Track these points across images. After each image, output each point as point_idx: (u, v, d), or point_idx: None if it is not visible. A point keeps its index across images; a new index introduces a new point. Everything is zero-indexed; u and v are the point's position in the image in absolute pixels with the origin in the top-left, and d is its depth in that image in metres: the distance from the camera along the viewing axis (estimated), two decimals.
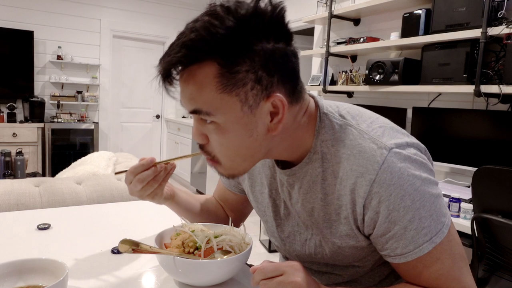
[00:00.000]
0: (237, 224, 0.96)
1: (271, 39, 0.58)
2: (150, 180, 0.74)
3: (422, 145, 0.68)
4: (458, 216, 1.71)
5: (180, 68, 0.59)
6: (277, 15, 0.58)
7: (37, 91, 4.59)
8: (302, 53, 3.41)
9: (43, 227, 0.97)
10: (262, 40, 0.57)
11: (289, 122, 0.64)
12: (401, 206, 0.60)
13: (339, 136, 0.66)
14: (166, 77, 0.59)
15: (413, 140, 0.66)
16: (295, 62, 0.62)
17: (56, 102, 4.63)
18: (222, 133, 0.61)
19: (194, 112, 0.61)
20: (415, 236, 0.61)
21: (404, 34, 2.39)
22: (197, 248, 0.72)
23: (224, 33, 0.55)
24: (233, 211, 0.96)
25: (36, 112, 4.41)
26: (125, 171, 0.76)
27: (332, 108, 0.70)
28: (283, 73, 0.60)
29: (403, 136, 0.66)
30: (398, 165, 0.61)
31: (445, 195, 1.78)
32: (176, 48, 0.57)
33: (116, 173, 0.80)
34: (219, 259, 0.69)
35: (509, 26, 1.81)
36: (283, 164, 0.74)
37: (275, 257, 2.91)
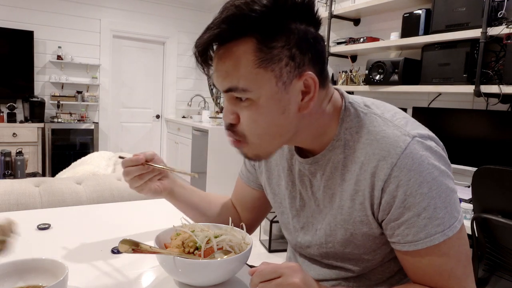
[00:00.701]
0: (252, 228, 0.96)
1: (303, 22, 0.62)
2: (136, 176, 0.78)
3: (441, 143, 0.69)
4: None
5: (216, 45, 0.62)
6: (308, 1, 0.63)
7: (37, 91, 4.59)
8: None
9: (43, 227, 0.97)
10: (296, 21, 0.61)
11: (316, 106, 0.67)
12: (418, 193, 0.61)
13: (363, 124, 0.68)
14: (203, 54, 0.62)
15: (434, 135, 0.68)
16: (323, 47, 0.66)
17: (56, 102, 4.63)
18: (256, 109, 0.63)
19: (229, 90, 0.63)
20: (427, 225, 0.62)
21: (404, 34, 2.39)
22: (197, 248, 0.72)
23: (263, 10, 0.58)
24: (251, 211, 0.96)
25: (36, 112, 4.41)
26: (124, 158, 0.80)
27: (357, 99, 0.73)
28: (314, 54, 0.63)
29: (425, 129, 0.68)
30: (420, 152, 0.62)
31: None
32: (217, 24, 0.60)
33: (119, 157, 0.83)
34: (219, 259, 0.69)
35: (509, 26, 1.81)
36: (303, 155, 0.76)
37: (275, 257, 2.91)
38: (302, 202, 0.79)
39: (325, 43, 0.68)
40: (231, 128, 0.67)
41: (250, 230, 0.95)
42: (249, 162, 0.93)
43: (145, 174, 0.79)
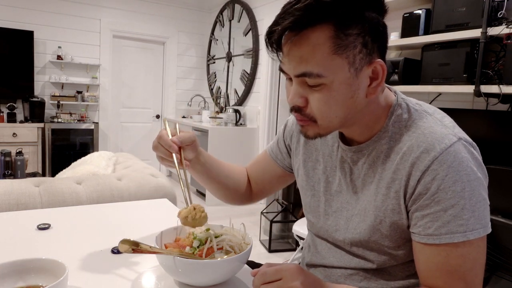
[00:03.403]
0: (255, 197, 1.02)
1: (375, 11, 0.64)
2: (160, 155, 0.82)
3: (481, 154, 0.70)
4: None
5: (293, 32, 0.62)
6: None
7: (37, 91, 4.59)
8: None
9: (43, 227, 0.97)
10: (370, 10, 0.63)
11: (381, 89, 0.70)
12: (450, 189, 0.63)
13: (413, 118, 0.71)
14: (278, 40, 0.64)
15: (477, 146, 0.70)
16: (387, 36, 0.69)
17: (56, 102, 4.63)
18: (328, 93, 0.65)
19: (303, 75, 0.64)
20: (451, 222, 0.63)
21: (404, 34, 2.39)
22: (199, 246, 0.72)
23: None
24: (263, 185, 1.00)
25: (36, 112, 4.41)
26: (166, 126, 0.85)
27: (411, 98, 0.76)
28: (382, 42, 0.67)
29: (469, 138, 0.70)
30: (462, 154, 0.64)
31: None
32: (293, 11, 0.61)
33: (164, 119, 0.87)
34: (219, 259, 0.69)
35: (509, 26, 1.81)
36: (345, 143, 0.78)
37: (275, 257, 2.91)
38: (339, 188, 0.80)
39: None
40: (299, 111, 0.68)
41: (256, 198, 1.02)
42: (283, 141, 0.95)
43: (167, 161, 0.82)
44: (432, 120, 0.70)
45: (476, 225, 0.63)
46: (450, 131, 0.67)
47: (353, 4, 0.61)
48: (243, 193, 1.00)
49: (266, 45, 0.66)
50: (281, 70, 0.68)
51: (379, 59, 0.66)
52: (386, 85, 0.76)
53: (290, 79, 0.68)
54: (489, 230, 0.65)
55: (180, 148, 0.81)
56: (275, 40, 0.64)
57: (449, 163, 0.63)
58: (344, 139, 0.79)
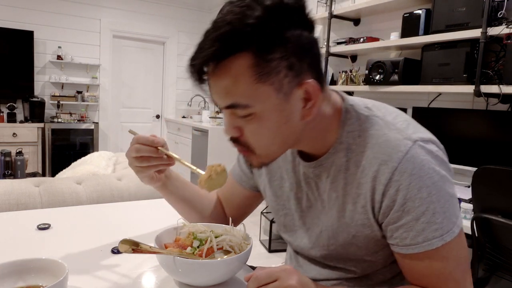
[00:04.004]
0: (235, 223, 0.96)
1: (298, 28, 0.60)
2: (144, 155, 0.75)
3: (442, 146, 0.69)
4: None
5: (212, 63, 0.59)
6: (301, 5, 0.60)
7: (37, 91, 4.59)
8: None
9: (43, 227, 0.97)
10: (291, 28, 0.59)
11: (316, 111, 0.66)
12: (417, 197, 0.61)
13: (365, 127, 0.68)
14: (199, 73, 0.60)
15: (435, 138, 0.68)
16: (319, 49, 0.65)
17: (56, 102, 4.63)
18: (259, 123, 0.62)
19: (230, 107, 0.62)
20: (425, 229, 0.62)
21: (404, 34, 2.39)
22: (199, 246, 0.72)
23: (257, 24, 0.56)
24: (236, 209, 0.96)
25: (36, 112, 4.41)
26: (135, 134, 0.79)
27: (357, 101, 0.72)
28: (311, 59, 0.62)
29: (427, 132, 0.68)
30: (421, 157, 0.62)
31: None
32: (210, 42, 0.57)
33: (129, 131, 0.82)
34: (219, 259, 0.69)
35: (509, 26, 1.81)
36: (305, 158, 0.75)
37: (275, 257, 2.91)
38: (309, 203, 0.78)
39: (320, 44, 0.66)
40: (236, 141, 0.66)
41: (234, 222, 0.94)
42: (244, 163, 0.92)
43: (153, 158, 0.76)
44: (384, 126, 0.66)
45: (449, 225, 0.62)
46: (403, 135, 0.64)
47: (270, 27, 0.57)
48: (215, 217, 0.94)
49: (192, 77, 0.62)
50: (213, 101, 0.65)
51: (310, 80, 0.61)
52: (333, 89, 0.73)
53: None
54: (461, 224, 0.65)
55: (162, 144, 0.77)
56: (196, 72, 0.60)
57: (409, 171, 0.61)
58: (303, 154, 0.76)
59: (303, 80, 0.61)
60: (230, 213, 0.96)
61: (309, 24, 0.62)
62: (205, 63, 0.59)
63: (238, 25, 0.56)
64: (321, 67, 0.65)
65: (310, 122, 0.65)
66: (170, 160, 0.78)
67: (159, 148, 0.76)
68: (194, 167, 0.76)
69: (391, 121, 0.67)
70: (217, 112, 4.97)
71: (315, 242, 0.77)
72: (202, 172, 0.73)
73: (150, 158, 0.76)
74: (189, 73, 0.61)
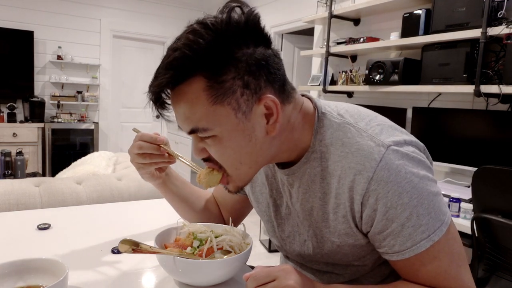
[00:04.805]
0: (234, 224, 0.96)
1: (250, 45, 0.59)
2: (146, 153, 0.76)
3: (421, 144, 0.68)
4: (458, 216, 1.71)
5: (169, 90, 0.61)
6: (252, 21, 0.60)
7: (37, 91, 4.59)
8: (302, 53, 3.41)
9: (43, 227, 0.97)
10: (242, 47, 0.59)
11: (284, 123, 0.65)
12: (398, 204, 0.60)
13: (337, 135, 0.66)
14: (157, 100, 0.61)
15: (412, 138, 0.67)
16: (279, 63, 0.63)
17: (56, 102, 4.64)
18: (221, 144, 0.62)
19: (192, 132, 0.62)
20: (412, 234, 0.61)
21: (404, 34, 2.39)
22: (199, 246, 0.72)
23: (205, 47, 0.57)
24: (230, 212, 0.96)
25: (36, 112, 4.41)
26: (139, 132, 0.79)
27: (330, 107, 0.70)
28: (268, 74, 0.61)
29: (401, 134, 0.66)
30: (396, 162, 0.61)
31: (445, 195, 1.78)
32: (163, 70, 0.59)
33: (133, 129, 0.83)
34: (219, 259, 0.69)
35: (509, 26, 1.81)
36: (283, 165, 0.74)
37: (275, 257, 2.91)
38: (288, 210, 0.77)
39: (280, 58, 0.64)
40: (208, 160, 0.67)
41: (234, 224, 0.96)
42: None
43: (155, 156, 0.77)
44: (356, 133, 0.65)
45: (436, 224, 0.61)
46: (376, 142, 0.63)
47: (219, 49, 0.57)
48: (212, 218, 0.95)
49: (152, 104, 0.63)
50: (179, 127, 0.66)
51: (268, 95, 0.60)
52: (306, 95, 0.72)
53: None
54: (450, 219, 0.64)
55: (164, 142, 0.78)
56: (154, 100, 0.61)
57: (386, 179, 0.60)
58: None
59: (262, 95, 0.60)
60: (226, 215, 0.96)
61: (264, 40, 0.61)
62: (161, 90, 0.60)
63: (187, 50, 0.57)
64: (284, 80, 0.64)
65: (278, 136, 0.65)
66: (171, 158, 0.79)
67: (161, 145, 0.76)
68: (194, 165, 0.77)
69: (363, 128, 0.66)
70: None
71: (300, 250, 0.77)
72: (200, 169, 0.73)
73: (152, 156, 0.77)
74: (149, 99, 0.62)
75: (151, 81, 0.61)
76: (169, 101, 0.63)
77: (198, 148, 0.65)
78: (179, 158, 0.78)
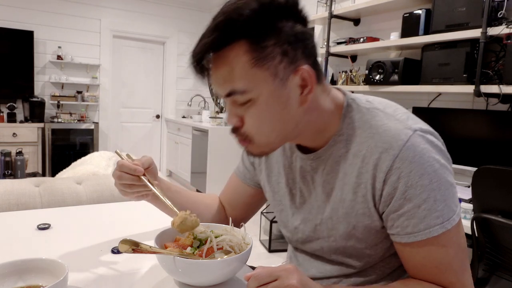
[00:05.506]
0: (237, 224, 0.96)
1: (290, 20, 0.64)
2: (127, 183, 0.77)
3: (441, 138, 0.70)
4: None
5: (211, 53, 0.64)
6: (292, 1, 0.64)
7: (37, 91, 4.59)
8: None
9: (43, 227, 0.97)
10: (283, 19, 0.63)
11: (315, 102, 0.68)
12: (418, 184, 0.63)
13: (366, 118, 0.70)
14: (199, 62, 0.64)
15: (434, 131, 0.70)
16: (313, 42, 0.68)
17: (56, 102, 4.63)
18: (258, 108, 0.65)
19: (229, 94, 0.65)
20: (427, 216, 0.63)
21: (404, 34, 2.39)
22: (199, 246, 0.72)
23: (250, 13, 0.61)
24: (240, 209, 0.97)
25: (36, 112, 4.41)
26: (121, 156, 0.80)
27: (359, 95, 0.75)
28: (305, 48, 0.65)
29: (426, 125, 0.70)
30: (421, 145, 0.64)
31: None
32: (208, 32, 0.62)
33: (115, 152, 0.84)
34: (219, 259, 0.69)
35: (509, 26, 1.81)
36: (306, 151, 0.77)
37: (275, 257, 2.91)
38: (302, 199, 0.80)
39: (316, 40, 0.70)
40: (236, 131, 0.69)
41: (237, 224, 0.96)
42: (248, 159, 0.94)
43: (135, 186, 0.77)
44: (384, 117, 0.69)
45: (450, 213, 0.64)
46: (404, 125, 0.66)
47: (264, 18, 0.61)
48: (217, 220, 0.94)
49: (191, 68, 0.66)
50: (212, 92, 0.68)
51: (304, 66, 0.64)
52: (334, 86, 0.76)
53: None
54: (461, 213, 0.67)
55: (144, 172, 0.78)
56: (197, 63, 0.64)
57: (410, 159, 0.63)
58: (302, 148, 0.78)
59: (298, 66, 0.64)
60: (235, 214, 0.96)
61: (302, 19, 0.66)
62: (205, 52, 0.63)
63: (233, 15, 0.60)
64: (317, 59, 0.68)
65: (308, 112, 0.68)
66: (153, 183, 0.79)
67: (141, 177, 0.77)
68: (170, 203, 0.77)
69: (391, 113, 0.69)
70: (217, 112, 4.97)
71: (314, 235, 0.78)
72: (177, 211, 0.74)
73: (132, 186, 0.77)
74: (191, 63, 0.65)
75: (195, 44, 0.64)
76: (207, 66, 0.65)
77: (233, 114, 0.67)
78: (157, 193, 0.77)
